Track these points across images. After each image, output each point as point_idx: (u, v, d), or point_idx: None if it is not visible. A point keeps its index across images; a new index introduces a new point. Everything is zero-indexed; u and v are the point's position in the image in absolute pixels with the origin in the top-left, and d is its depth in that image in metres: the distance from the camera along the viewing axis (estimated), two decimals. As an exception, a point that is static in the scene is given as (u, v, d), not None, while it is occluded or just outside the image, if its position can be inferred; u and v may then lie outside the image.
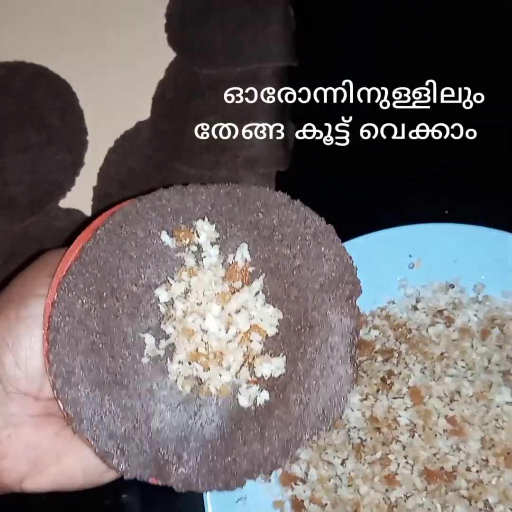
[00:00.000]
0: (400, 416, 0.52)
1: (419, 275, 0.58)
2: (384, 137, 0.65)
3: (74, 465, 0.37)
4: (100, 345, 0.37)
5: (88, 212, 0.63)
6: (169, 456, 0.37)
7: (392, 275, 0.58)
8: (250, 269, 0.39)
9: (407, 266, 0.58)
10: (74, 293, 0.37)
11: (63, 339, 0.36)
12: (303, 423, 0.38)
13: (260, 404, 0.37)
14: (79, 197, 0.64)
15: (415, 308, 0.57)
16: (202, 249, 0.39)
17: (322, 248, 0.38)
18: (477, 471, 0.49)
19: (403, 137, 0.65)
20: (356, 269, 0.39)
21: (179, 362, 0.37)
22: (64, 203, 0.64)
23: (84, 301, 0.37)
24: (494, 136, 0.64)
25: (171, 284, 0.38)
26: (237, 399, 0.37)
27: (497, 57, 0.68)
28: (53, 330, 0.36)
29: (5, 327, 0.37)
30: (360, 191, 0.62)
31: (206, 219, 0.39)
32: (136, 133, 0.65)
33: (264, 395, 0.37)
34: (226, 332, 0.37)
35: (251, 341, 0.37)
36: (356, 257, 0.57)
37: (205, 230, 0.38)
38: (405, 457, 0.51)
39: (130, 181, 0.63)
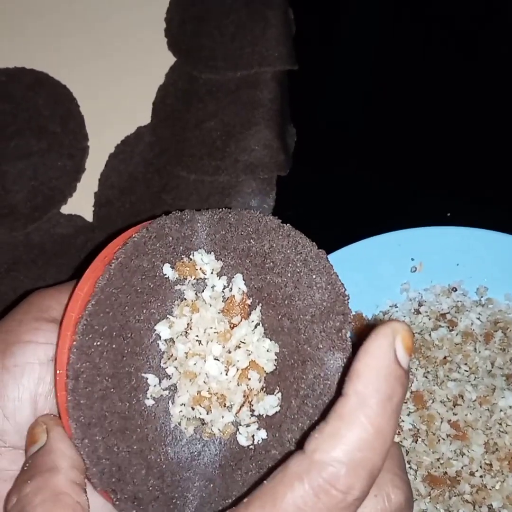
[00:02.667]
0: (403, 421, 0.51)
1: (422, 278, 0.58)
2: (386, 141, 0.65)
3: None
4: (112, 390, 0.35)
5: (89, 217, 0.63)
6: (177, 499, 0.35)
7: (395, 278, 0.58)
8: (248, 301, 0.37)
9: (410, 269, 0.58)
10: (91, 336, 0.35)
11: (82, 387, 0.34)
12: None
13: (257, 443, 0.36)
14: (80, 202, 0.64)
15: (417, 312, 0.57)
16: (204, 281, 0.38)
17: (314, 276, 0.35)
18: (481, 476, 0.49)
19: (406, 139, 0.65)
20: (348, 298, 0.36)
21: (182, 405, 0.36)
22: (65, 209, 0.64)
23: (98, 343, 0.35)
24: (496, 139, 0.64)
25: (172, 321, 0.37)
26: (237, 438, 0.37)
27: (498, 56, 0.68)
28: (73, 378, 0.34)
29: None
30: (362, 194, 0.62)
31: (203, 249, 0.38)
32: (137, 139, 0.65)
33: (261, 434, 0.36)
34: (226, 373, 0.36)
35: (249, 379, 0.36)
36: (358, 261, 0.57)
37: (206, 262, 0.37)
38: (409, 462, 0.50)
39: (131, 186, 0.63)
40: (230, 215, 0.38)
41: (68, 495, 0.31)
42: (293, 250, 0.36)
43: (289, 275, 0.36)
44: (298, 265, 0.36)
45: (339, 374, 0.35)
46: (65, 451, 0.33)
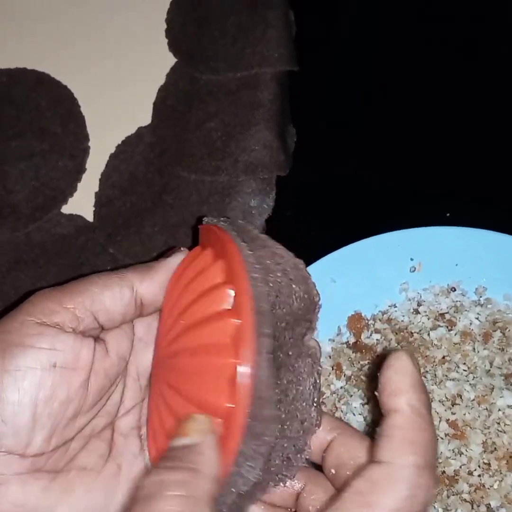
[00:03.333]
0: (401, 420, 0.52)
1: (421, 278, 0.58)
2: (386, 141, 0.65)
3: None
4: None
5: (90, 217, 0.63)
6: None
7: (394, 278, 0.58)
8: None
9: (409, 269, 0.58)
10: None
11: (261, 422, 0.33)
12: (269, 469, 0.35)
13: None
14: (80, 202, 0.64)
15: (416, 312, 0.57)
16: None
17: (293, 285, 0.35)
18: (479, 475, 0.49)
19: (406, 139, 0.65)
20: (320, 307, 0.36)
21: None
22: (66, 209, 0.64)
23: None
24: (496, 140, 0.64)
25: None
26: None
27: (499, 56, 0.68)
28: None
29: None
30: (361, 194, 0.62)
31: None
32: (137, 139, 0.65)
33: None
34: None
35: None
36: (358, 260, 0.58)
37: None
38: (407, 461, 0.50)
39: (132, 186, 0.63)
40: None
41: (203, 501, 0.30)
42: (272, 260, 0.36)
43: (271, 285, 0.35)
44: (278, 275, 0.35)
45: (311, 380, 0.35)
46: (214, 463, 0.32)
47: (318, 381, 0.36)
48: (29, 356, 0.35)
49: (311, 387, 0.36)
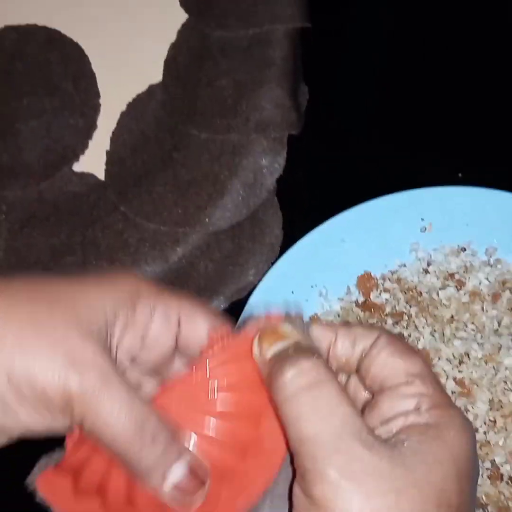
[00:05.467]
0: (409, 378, 0.52)
1: (431, 238, 0.58)
2: (400, 102, 0.64)
3: None
4: None
5: (101, 176, 0.64)
6: None
7: (404, 238, 0.58)
8: None
9: (419, 229, 0.58)
10: None
11: None
12: None
13: None
14: (92, 161, 0.64)
15: (426, 272, 0.57)
16: None
17: None
18: (485, 432, 0.50)
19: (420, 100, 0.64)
20: None
21: None
22: (77, 167, 0.64)
23: None
24: (508, 98, 0.64)
25: None
26: None
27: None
28: None
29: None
30: (373, 155, 0.62)
31: None
32: (149, 97, 0.65)
33: None
34: None
35: None
36: (368, 220, 0.58)
37: None
38: (414, 418, 0.51)
39: (143, 144, 0.63)
40: None
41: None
42: None
43: None
44: None
45: None
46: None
47: None
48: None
49: None
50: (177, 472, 0.32)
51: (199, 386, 0.33)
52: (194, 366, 0.34)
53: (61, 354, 0.31)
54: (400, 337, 0.35)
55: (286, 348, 0.32)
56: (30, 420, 0.32)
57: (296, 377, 0.30)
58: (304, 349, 0.32)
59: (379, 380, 0.33)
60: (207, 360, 0.33)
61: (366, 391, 0.34)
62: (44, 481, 0.33)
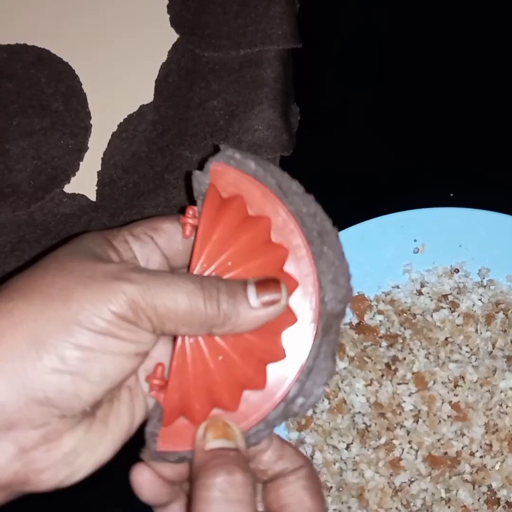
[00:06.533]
0: (404, 401, 0.52)
1: (424, 259, 0.58)
2: (390, 121, 0.65)
3: (107, 450, 0.36)
4: None
5: (92, 197, 0.63)
6: None
7: (397, 259, 0.58)
8: None
9: (412, 250, 0.58)
10: None
11: None
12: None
13: None
14: (83, 182, 0.64)
15: (419, 293, 0.57)
16: None
17: (325, 248, 0.37)
18: (481, 456, 0.50)
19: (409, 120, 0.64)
20: (351, 278, 0.39)
21: None
22: (68, 188, 0.64)
23: None
24: (502, 121, 0.64)
25: None
26: None
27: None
28: None
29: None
30: (365, 175, 0.62)
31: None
32: (140, 117, 0.65)
33: None
34: None
35: None
36: (361, 242, 0.57)
37: None
38: (409, 442, 0.51)
39: (134, 166, 0.63)
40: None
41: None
42: (311, 219, 0.38)
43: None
44: (313, 234, 0.37)
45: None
46: None
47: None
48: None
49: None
50: (252, 290, 0.35)
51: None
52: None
53: (101, 279, 0.33)
54: (318, 478, 0.38)
55: (228, 448, 0.34)
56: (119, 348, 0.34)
57: (225, 485, 0.32)
58: (242, 460, 0.34)
59: (282, 503, 0.36)
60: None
61: (262, 503, 0.37)
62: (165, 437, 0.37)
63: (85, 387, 0.33)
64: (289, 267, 0.37)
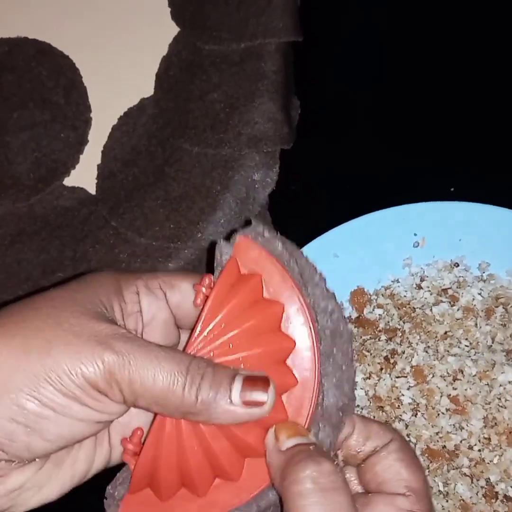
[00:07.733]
0: (403, 395, 0.52)
1: (424, 253, 0.58)
2: (391, 114, 0.64)
3: (54, 491, 0.35)
4: None
5: (92, 190, 0.63)
6: None
7: (397, 253, 0.58)
8: None
9: (412, 244, 0.58)
10: None
11: None
12: None
13: None
14: (83, 175, 0.64)
15: (419, 287, 0.57)
16: None
17: (334, 349, 0.36)
18: (479, 450, 0.50)
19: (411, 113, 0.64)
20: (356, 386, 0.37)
21: None
22: (68, 181, 0.64)
23: None
24: (502, 115, 0.64)
25: None
26: None
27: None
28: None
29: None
30: (364, 169, 0.62)
31: None
32: (140, 111, 0.65)
33: None
34: None
35: None
36: (361, 235, 0.57)
37: None
38: (408, 435, 0.51)
39: (134, 159, 0.63)
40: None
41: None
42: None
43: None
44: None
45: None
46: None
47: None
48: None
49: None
50: (238, 385, 0.33)
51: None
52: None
53: (85, 340, 0.32)
54: (411, 447, 0.37)
55: (306, 444, 0.33)
56: (85, 414, 0.33)
57: (316, 476, 0.31)
58: (324, 451, 0.33)
59: (379, 481, 0.35)
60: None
61: (360, 486, 0.36)
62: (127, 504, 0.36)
63: (37, 442, 0.32)
64: (293, 362, 0.35)
